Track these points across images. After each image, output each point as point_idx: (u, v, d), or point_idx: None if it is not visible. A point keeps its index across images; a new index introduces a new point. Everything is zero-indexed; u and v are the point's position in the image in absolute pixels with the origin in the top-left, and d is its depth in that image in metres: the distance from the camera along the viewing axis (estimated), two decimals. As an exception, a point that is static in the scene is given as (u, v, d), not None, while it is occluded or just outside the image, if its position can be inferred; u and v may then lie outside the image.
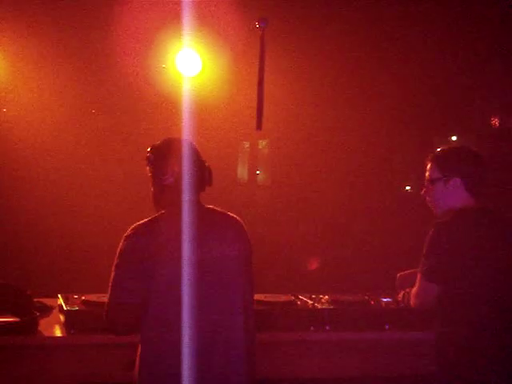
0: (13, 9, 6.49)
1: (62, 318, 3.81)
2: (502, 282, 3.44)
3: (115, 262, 2.99)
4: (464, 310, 3.42)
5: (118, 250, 3.01)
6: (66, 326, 3.69)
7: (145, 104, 7.86)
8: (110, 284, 2.99)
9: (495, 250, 3.45)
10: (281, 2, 6.27)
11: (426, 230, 3.52)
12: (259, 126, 3.53)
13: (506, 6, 6.08)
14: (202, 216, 3.08)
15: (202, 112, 6.67)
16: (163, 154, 3.17)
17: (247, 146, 9.27)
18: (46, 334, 3.69)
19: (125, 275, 2.96)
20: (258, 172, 9.44)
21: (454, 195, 3.57)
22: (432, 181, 3.62)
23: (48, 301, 4.10)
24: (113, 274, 2.99)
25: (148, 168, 3.22)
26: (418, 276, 3.52)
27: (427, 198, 3.69)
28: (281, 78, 7.35)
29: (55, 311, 4.00)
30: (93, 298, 3.83)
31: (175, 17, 5.04)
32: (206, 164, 3.23)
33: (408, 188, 9.54)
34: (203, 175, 3.19)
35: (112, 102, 8.04)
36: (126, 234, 3.02)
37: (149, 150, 3.23)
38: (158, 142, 3.24)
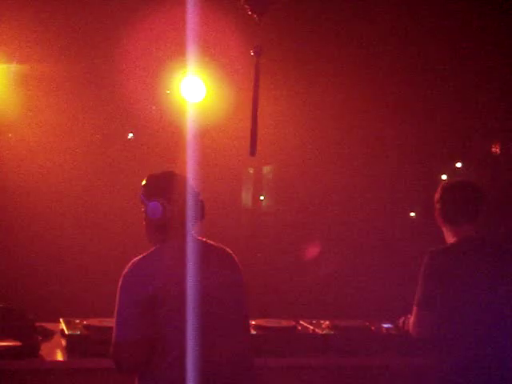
0: (22, 35, 6.57)
1: (63, 342, 3.82)
2: (492, 309, 3.48)
3: (117, 300, 2.99)
4: (456, 337, 3.46)
5: (119, 287, 3.01)
6: (68, 351, 3.70)
7: (149, 129, 7.92)
8: (115, 322, 2.99)
9: (486, 278, 3.49)
10: (285, 30, 6.33)
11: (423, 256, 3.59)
12: (253, 153, 3.57)
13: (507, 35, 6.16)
14: (197, 250, 3.10)
15: (206, 138, 6.75)
16: (156, 190, 3.17)
17: (251, 171, 9.31)
18: (48, 358, 3.69)
19: (128, 313, 2.96)
20: (262, 198, 9.47)
21: (442, 225, 3.69)
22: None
23: (50, 325, 4.11)
24: (116, 313, 2.99)
25: (142, 204, 3.21)
26: (413, 305, 3.57)
27: None
28: (285, 105, 7.41)
29: (57, 335, 4.01)
30: (94, 322, 3.84)
31: (180, 44, 5.11)
32: (200, 197, 3.23)
33: (412, 214, 9.55)
34: (197, 209, 3.19)
35: (117, 126, 8.10)
36: (124, 272, 3.02)
37: (141, 186, 3.22)
38: (151, 178, 3.23)
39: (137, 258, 3.07)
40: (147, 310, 2.95)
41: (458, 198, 3.67)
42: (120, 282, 3.02)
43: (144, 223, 3.22)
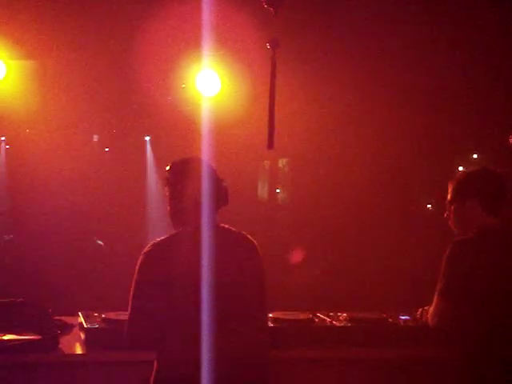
0: (39, 31, 6.60)
1: (82, 335, 3.84)
2: None
3: (134, 277, 3.07)
4: (480, 329, 3.44)
5: (137, 266, 3.08)
6: (86, 344, 3.73)
7: (165, 123, 7.94)
8: (130, 299, 3.05)
9: (508, 269, 3.47)
10: (301, 23, 6.32)
11: (446, 247, 3.56)
12: (270, 146, 3.58)
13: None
14: (218, 235, 3.13)
15: (222, 131, 6.76)
16: (180, 174, 3.21)
17: (267, 164, 9.31)
18: (67, 351, 3.71)
19: (144, 291, 3.02)
20: (277, 190, 9.48)
21: (472, 216, 3.62)
22: (451, 202, 3.68)
23: (69, 318, 4.13)
24: (132, 290, 3.06)
25: (166, 188, 3.27)
26: (435, 295, 3.54)
27: (449, 220, 3.73)
28: (301, 98, 7.40)
29: (76, 329, 4.03)
30: (113, 315, 3.85)
31: (196, 39, 5.11)
32: (224, 183, 3.26)
33: (429, 206, 9.52)
34: (220, 195, 3.23)
35: (133, 120, 8.13)
36: (144, 251, 3.11)
37: (166, 170, 3.27)
38: (176, 163, 3.28)
39: (158, 239, 3.14)
40: (162, 289, 3.00)
41: (490, 189, 3.62)
42: (139, 261, 3.07)
43: (168, 208, 3.25)
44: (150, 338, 3.06)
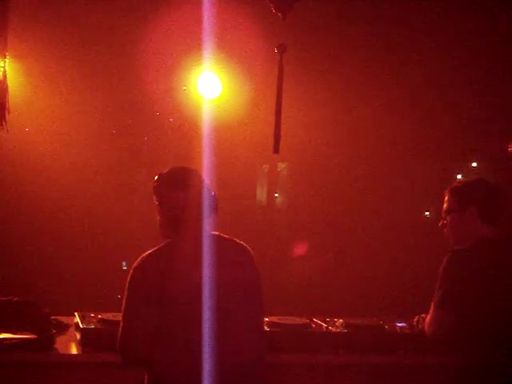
0: (37, 28, 6.59)
1: (78, 335, 3.84)
2: None
3: (125, 293, 3.03)
4: (476, 339, 3.43)
5: (128, 281, 3.04)
6: (82, 344, 3.72)
7: (165, 125, 7.93)
8: (122, 315, 3.02)
9: (507, 279, 3.46)
10: (302, 28, 6.33)
11: (444, 255, 3.55)
12: (276, 150, 3.58)
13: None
14: (209, 243, 3.10)
15: (222, 134, 6.75)
16: (169, 184, 3.18)
17: (266, 168, 9.30)
18: (62, 351, 3.72)
19: (135, 306, 2.99)
20: (276, 195, 9.45)
21: (470, 226, 3.61)
22: (449, 212, 3.66)
23: (65, 319, 4.14)
24: (124, 306, 3.02)
25: (154, 197, 3.23)
26: (432, 304, 3.54)
27: (444, 229, 3.72)
28: (301, 102, 7.40)
29: (71, 329, 4.03)
30: (109, 316, 3.85)
31: (197, 41, 5.11)
32: (212, 193, 3.23)
33: (427, 213, 9.51)
34: (209, 204, 3.19)
35: (133, 122, 8.12)
36: (134, 265, 3.06)
37: (155, 179, 3.24)
38: (164, 172, 3.25)
39: (147, 252, 3.09)
40: (155, 304, 2.97)
41: (489, 199, 3.62)
42: (129, 276, 3.04)
43: (158, 217, 3.22)
44: (143, 355, 3.03)
